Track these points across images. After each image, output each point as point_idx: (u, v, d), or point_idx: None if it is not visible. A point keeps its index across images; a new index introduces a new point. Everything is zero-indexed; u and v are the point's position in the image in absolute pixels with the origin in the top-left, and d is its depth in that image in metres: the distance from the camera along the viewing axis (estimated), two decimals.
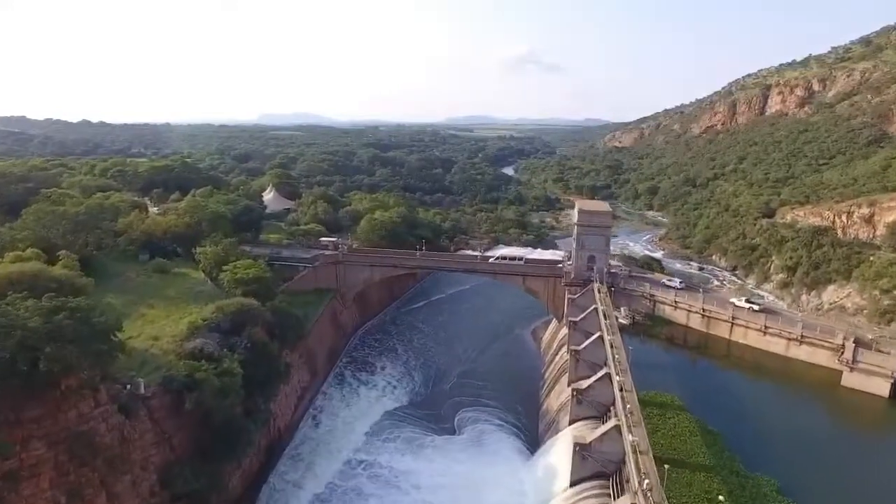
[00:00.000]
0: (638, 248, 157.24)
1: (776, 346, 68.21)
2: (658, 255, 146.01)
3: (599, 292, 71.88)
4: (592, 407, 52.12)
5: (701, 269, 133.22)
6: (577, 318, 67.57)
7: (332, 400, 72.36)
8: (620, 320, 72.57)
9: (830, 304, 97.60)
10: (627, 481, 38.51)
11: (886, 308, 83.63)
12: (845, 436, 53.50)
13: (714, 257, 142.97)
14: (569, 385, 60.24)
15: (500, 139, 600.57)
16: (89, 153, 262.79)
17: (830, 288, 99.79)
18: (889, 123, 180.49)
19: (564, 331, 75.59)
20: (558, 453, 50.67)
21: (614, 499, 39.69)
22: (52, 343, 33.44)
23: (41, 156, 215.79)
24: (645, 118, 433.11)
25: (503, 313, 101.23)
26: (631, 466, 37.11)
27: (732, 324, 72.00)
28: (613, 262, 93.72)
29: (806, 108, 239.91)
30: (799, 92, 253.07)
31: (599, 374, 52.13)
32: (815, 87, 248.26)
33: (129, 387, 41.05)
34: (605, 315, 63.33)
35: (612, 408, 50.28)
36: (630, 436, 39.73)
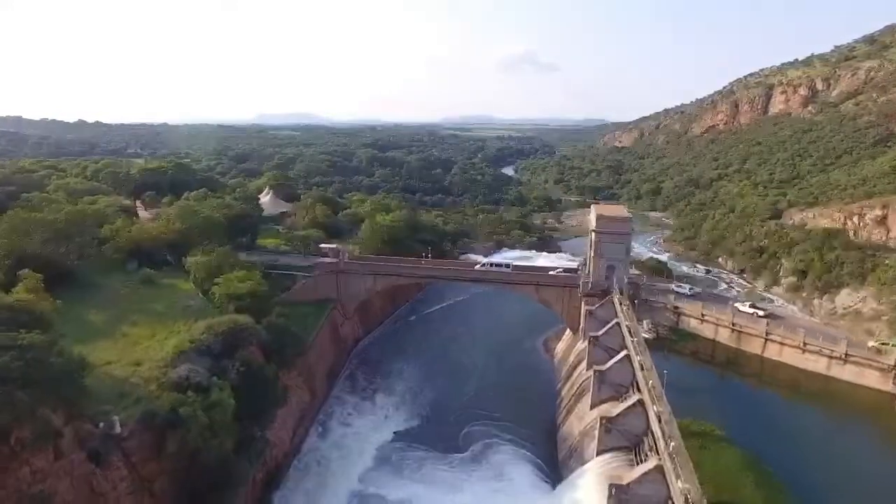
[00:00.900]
0: (643, 250, 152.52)
1: (816, 364, 63.63)
2: (664, 257, 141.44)
3: (621, 304, 66.68)
4: (622, 437, 47.08)
5: (708, 272, 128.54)
6: (598, 333, 62.54)
7: (334, 421, 67.09)
8: (643, 334, 67.64)
9: (845, 308, 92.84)
10: None
11: None
12: None
13: (721, 259, 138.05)
14: (591, 408, 55.43)
15: (500, 139, 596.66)
16: (85, 154, 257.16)
17: (844, 292, 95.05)
18: None
19: (581, 344, 70.58)
20: (586, 489, 45.57)
21: None
22: None
23: (36, 157, 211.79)
24: (645, 118, 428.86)
25: (511, 322, 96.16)
26: None
27: (766, 339, 67.30)
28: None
29: (810, 108, 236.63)
30: (802, 91, 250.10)
31: (631, 402, 47.17)
32: (819, 86, 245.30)
33: (101, 425, 35.36)
34: (630, 331, 58.31)
35: (645, 438, 45.64)
36: (678, 481, 34.70)
